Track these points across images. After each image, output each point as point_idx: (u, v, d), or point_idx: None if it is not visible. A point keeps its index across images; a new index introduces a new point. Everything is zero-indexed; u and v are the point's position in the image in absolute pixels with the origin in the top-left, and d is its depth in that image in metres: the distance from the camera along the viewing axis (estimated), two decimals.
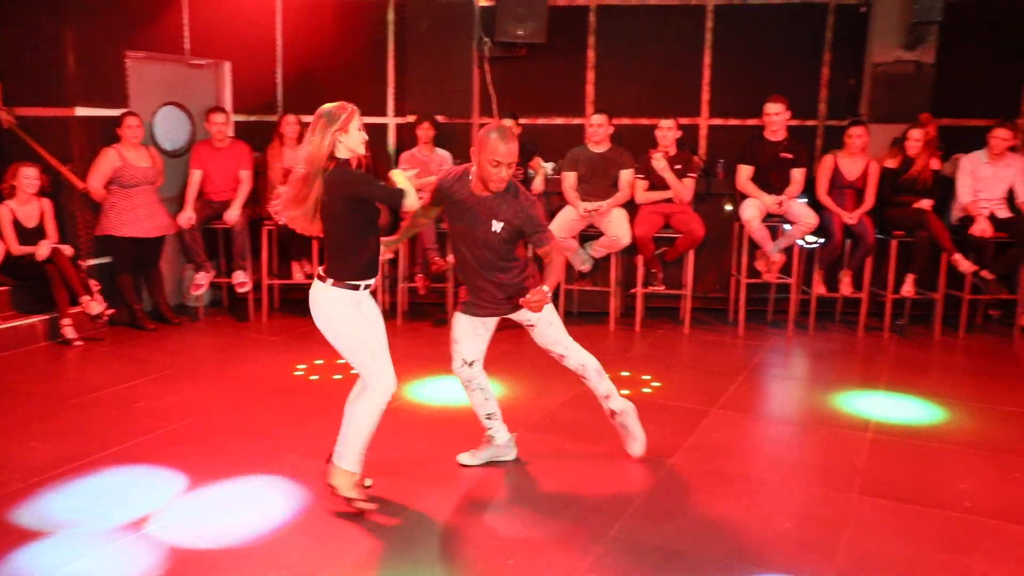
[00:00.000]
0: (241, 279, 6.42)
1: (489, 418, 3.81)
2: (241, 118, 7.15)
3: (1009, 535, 3.24)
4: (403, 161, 6.63)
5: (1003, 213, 6.23)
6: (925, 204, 6.20)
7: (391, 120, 7.42)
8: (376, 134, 7.26)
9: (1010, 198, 6.27)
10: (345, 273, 3.24)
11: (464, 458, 3.85)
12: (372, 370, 3.31)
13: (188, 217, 6.24)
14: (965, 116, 6.94)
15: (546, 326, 3.71)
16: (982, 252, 6.13)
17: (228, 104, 7.06)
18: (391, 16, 7.25)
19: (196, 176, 6.42)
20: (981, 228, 6.06)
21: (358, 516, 3.29)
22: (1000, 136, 6.16)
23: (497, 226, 3.46)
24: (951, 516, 3.38)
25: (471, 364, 3.74)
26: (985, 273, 6.13)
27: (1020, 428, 4.40)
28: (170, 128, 6.74)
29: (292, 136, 6.48)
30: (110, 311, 5.92)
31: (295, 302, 6.99)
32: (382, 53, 7.34)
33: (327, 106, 3.24)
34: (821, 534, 3.21)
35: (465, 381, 3.78)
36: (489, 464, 3.84)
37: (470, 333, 3.73)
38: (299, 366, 5.36)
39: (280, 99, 7.34)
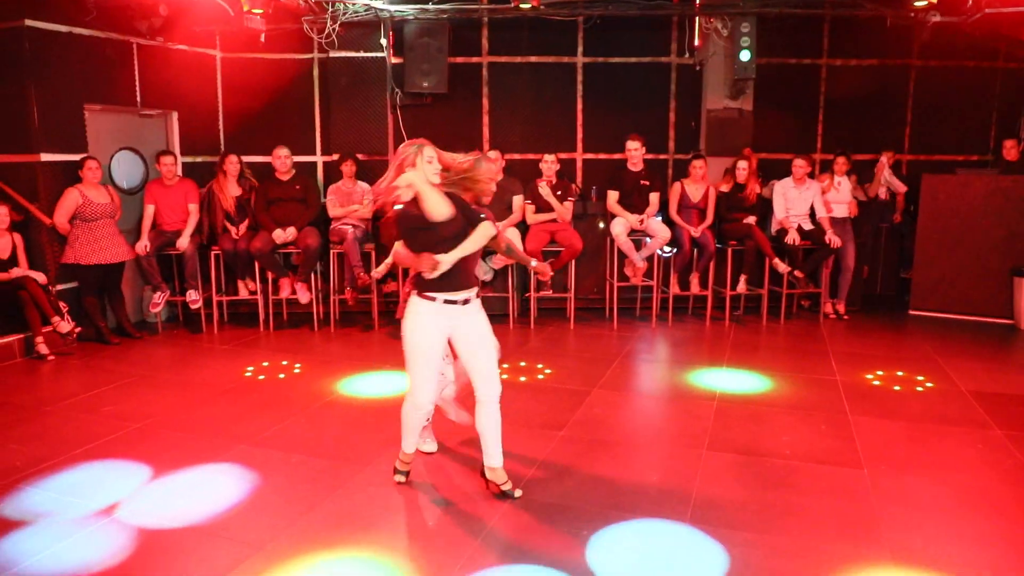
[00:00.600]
0: (193, 297, 6.19)
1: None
2: (188, 159, 6.88)
3: (816, 473, 3.48)
4: (330, 193, 6.54)
5: (808, 226, 6.62)
6: (751, 220, 6.54)
7: (319, 158, 7.30)
8: (307, 170, 7.13)
9: (812, 214, 6.69)
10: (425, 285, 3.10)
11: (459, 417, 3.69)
12: (416, 378, 3.17)
13: (144, 245, 5.98)
14: (776, 151, 7.42)
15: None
16: (794, 256, 6.51)
17: (176, 147, 6.78)
18: (316, 72, 7.14)
19: (149, 210, 6.17)
20: (792, 238, 6.44)
21: (303, 495, 3.25)
22: (799, 165, 6.53)
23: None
24: (776, 463, 3.60)
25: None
26: (797, 272, 6.51)
27: (824, 391, 4.69)
28: (126, 169, 6.43)
29: (233, 173, 6.32)
30: (78, 329, 5.62)
31: (242, 315, 6.79)
32: (310, 102, 7.21)
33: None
34: (679, 484, 3.36)
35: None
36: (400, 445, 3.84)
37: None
38: (248, 369, 5.21)
39: (222, 141, 7.11)
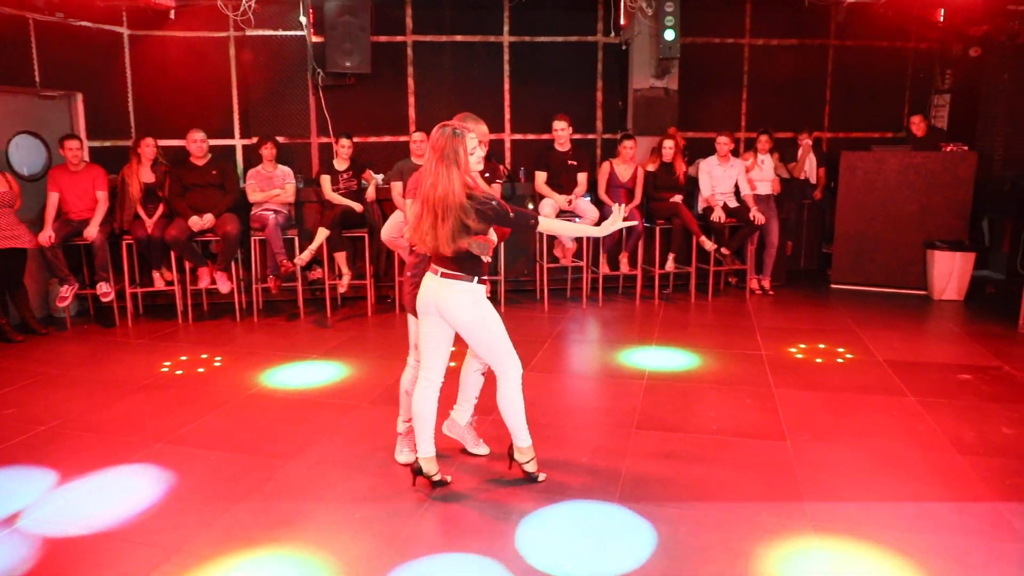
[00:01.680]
0: (104, 289, 5.87)
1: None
2: (96, 143, 6.50)
3: (742, 447, 3.56)
4: (250, 177, 6.30)
5: (733, 203, 6.75)
6: (677, 198, 6.63)
7: (238, 142, 7.02)
8: (226, 153, 6.85)
9: (737, 191, 6.83)
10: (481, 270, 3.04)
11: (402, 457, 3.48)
12: (508, 355, 3.11)
13: (48, 236, 5.62)
14: (702, 130, 7.54)
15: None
16: (720, 234, 6.63)
17: (82, 131, 6.40)
18: (232, 51, 6.84)
19: (53, 198, 5.80)
20: (717, 215, 6.56)
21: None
22: (723, 142, 6.63)
23: None
24: (703, 438, 3.67)
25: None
26: (724, 250, 6.64)
27: (750, 366, 4.81)
28: (25, 155, 6.02)
29: (149, 157, 6.01)
30: None
31: (158, 307, 6.49)
32: (227, 83, 6.91)
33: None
34: (608, 463, 3.38)
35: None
36: (340, 437, 3.75)
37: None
38: (165, 363, 4.99)
39: (133, 125, 6.74)
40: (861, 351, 5.09)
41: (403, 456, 3.44)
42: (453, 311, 3.02)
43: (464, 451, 3.52)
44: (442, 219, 2.89)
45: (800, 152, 7.20)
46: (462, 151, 2.90)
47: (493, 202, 2.93)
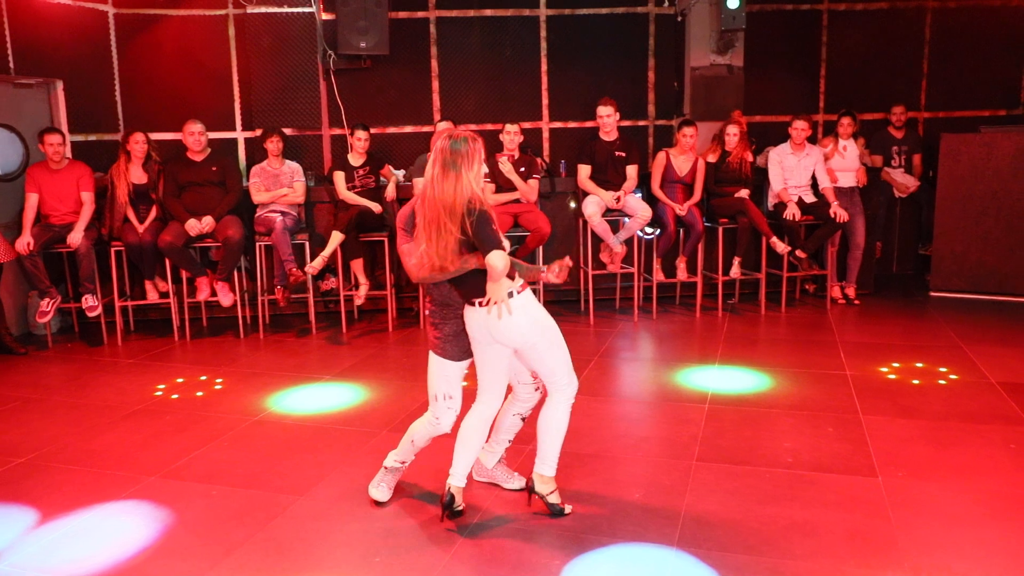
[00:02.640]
0: (90, 303, 6.04)
1: (415, 453, 3.58)
2: (79, 138, 6.72)
3: (822, 483, 3.51)
4: (254, 175, 6.42)
5: (809, 198, 6.69)
6: (743, 193, 6.58)
7: (240, 134, 7.18)
8: (226, 148, 7.01)
9: (814, 184, 6.75)
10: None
11: (378, 494, 3.49)
12: (567, 372, 3.19)
13: (26, 243, 5.81)
14: (771, 113, 7.49)
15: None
16: (795, 234, 6.56)
17: (63, 124, 6.62)
18: (232, 31, 7.01)
19: (32, 200, 5.99)
20: (791, 212, 6.50)
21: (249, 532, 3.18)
22: (799, 127, 6.58)
23: None
24: (776, 472, 3.62)
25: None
26: (799, 252, 6.56)
27: (831, 388, 4.74)
28: (0, 151, 6.25)
29: (139, 154, 6.17)
30: None
31: (151, 323, 6.66)
32: (226, 68, 7.09)
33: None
34: (665, 500, 3.36)
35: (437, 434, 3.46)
36: (356, 470, 3.80)
37: (460, 384, 3.43)
38: (159, 387, 5.11)
39: (121, 116, 6.95)
40: (968, 371, 4.98)
41: (379, 492, 3.46)
42: (508, 331, 3.07)
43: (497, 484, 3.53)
44: (444, 230, 2.96)
45: (830, 148, 6.87)
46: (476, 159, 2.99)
47: (483, 208, 2.96)
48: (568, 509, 3.28)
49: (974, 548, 2.97)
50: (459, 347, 3.26)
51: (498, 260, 2.90)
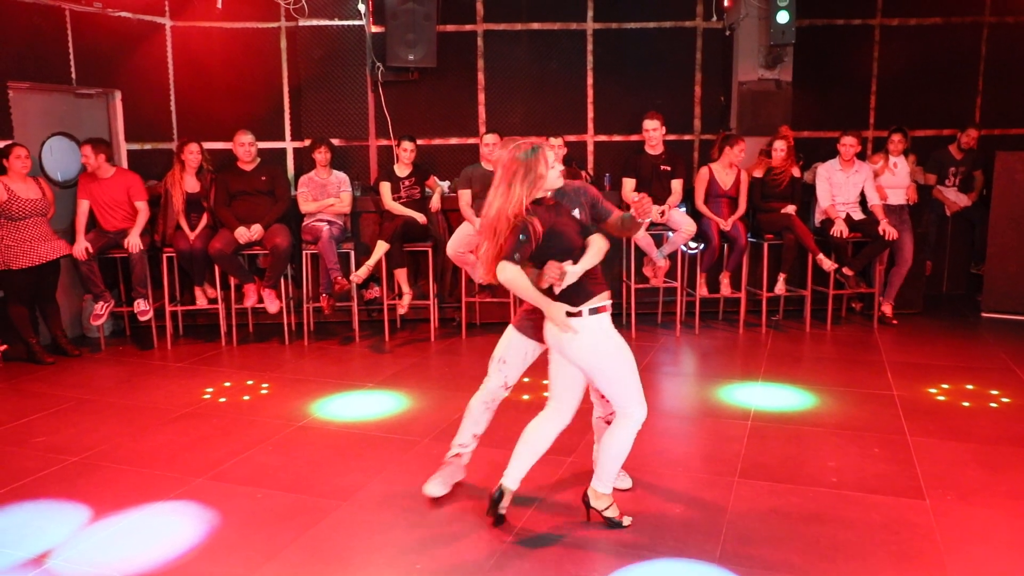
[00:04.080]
0: (142, 307, 6.21)
1: (474, 437, 3.63)
2: (135, 146, 6.92)
3: (867, 504, 3.46)
4: (302, 184, 6.55)
5: (857, 215, 6.61)
6: (790, 209, 6.53)
7: (289, 144, 7.33)
8: (275, 158, 7.16)
9: (863, 201, 6.66)
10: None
11: (432, 489, 3.57)
12: (632, 401, 3.20)
13: (84, 248, 5.99)
14: (820, 128, 7.42)
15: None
16: (842, 251, 6.48)
17: (120, 132, 6.82)
18: (284, 44, 7.17)
19: (84, 206, 6.18)
20: (839, 229, 6.42)
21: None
22: (848, 144, 6.50)
23: (577, 214, 3.27)
24: (820, 492, 3.59)
25: (508, 389, 3.55)
26: (846, 270, 6.49)
27: (877, 408, 4.68)
28: (60, 159, 6.46)
29: (193, 164, 6.34)
30: (3, 347, 5.64)
31: (199, 327, 6.81)
32: (277, 79, 7.24)
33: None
34: (706, 517, 3.35)
35: (491, 401, 3.57)
36: (398, 478, 3.85)
37: (520, 357, 3.49)
38: (207, 390, 5.22)
39: (175, 126, 7.14)
40: (1020, 394, 4.87)
41: (435, 488, 3.53)
42: (571, 349, 3.12)
43: (536, 495, 3.55)
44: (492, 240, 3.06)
45: (880, 165, 6.77)
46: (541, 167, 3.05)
47: (520, 221, 3.02)
48: (627, 521, 3.29)
49: None
50: (531, 326, 3.38)
51: (499, 272, 3.03)
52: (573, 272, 3.04)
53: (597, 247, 3.14)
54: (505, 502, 3.26)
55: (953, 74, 7.70)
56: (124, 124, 6.85)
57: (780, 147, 6.56)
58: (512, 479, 3.26)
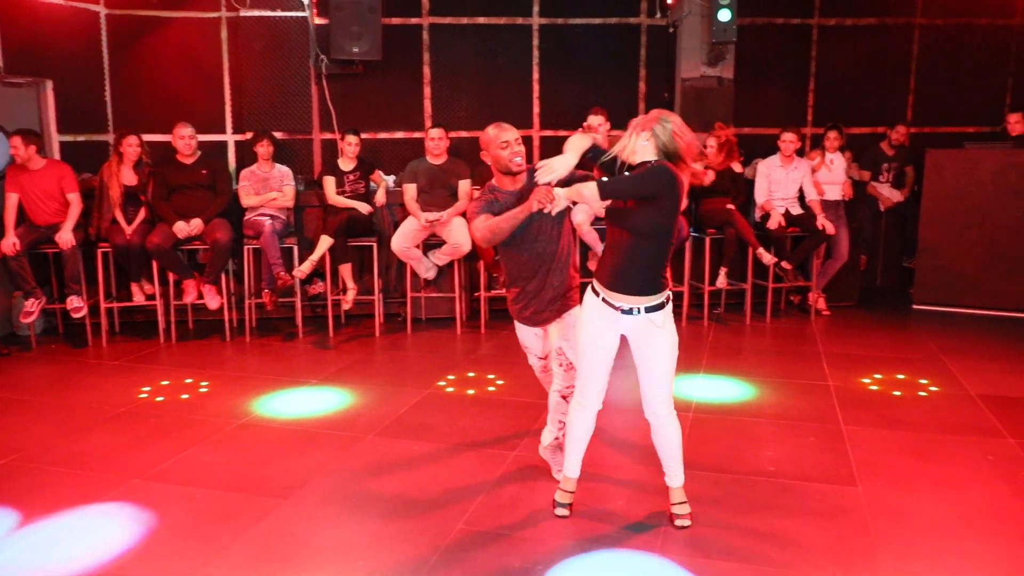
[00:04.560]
0: (76, 304, 6.01)
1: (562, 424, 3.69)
2: (68, 138, 6.69)
3: (803, 492, 3.55)
4: (244, 178, 6.43)
5: (796, 210, 6.76)
6: (730, 204, 6.63)
7: (230, 137, 7.18)
8: (216, 151, 7.01)
9: (801, 196, 6.81)
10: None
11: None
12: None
13: (12, 243, 5.78)
14: (761, 125, 7.57)
15: (570, 328, 3.55)
16: (781, 245, 6.62)
17: (52, 123, 6.59)
18: (225, 34, 7.02)
19: (12, 200, 5.95)
20: (775, 221, 6.55)
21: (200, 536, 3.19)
22: (788, 140, 6.64)
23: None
24: (759, 481, 3.66)
25: (543, 358, 3.73)
26: (785, 263, 6.62)
27: (814, 398, 4.79)
28: None
29: (132, 156, 6.17)
30: None
31: (137, 324, 6.64)
32: (218, 71, 7.08)
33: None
34: (649, 508, 3.39)
35: (541, 369, 3.79)
36: (341, 474, 3.81)
37: (533, 338, 3.67)
38: (144, 389, 5.09)
39: (111, 117, 6.93)
40: (949, 383, 5.04)
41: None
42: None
43: (480, 490, 3.55)
44: None
45: (817, 161, 6.94)
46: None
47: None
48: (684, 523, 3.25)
49: (951, 558, 3.02)
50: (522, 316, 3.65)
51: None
52: (561, 195, 3.08)
53: (572, 146, 3.19)
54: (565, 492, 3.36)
55: (887, 73, 7.93)
56: (56, 115, 6.62)
57: (711, 143, 6.62)
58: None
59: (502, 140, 3.35)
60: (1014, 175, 6.70)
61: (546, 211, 3.11)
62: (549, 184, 3.10)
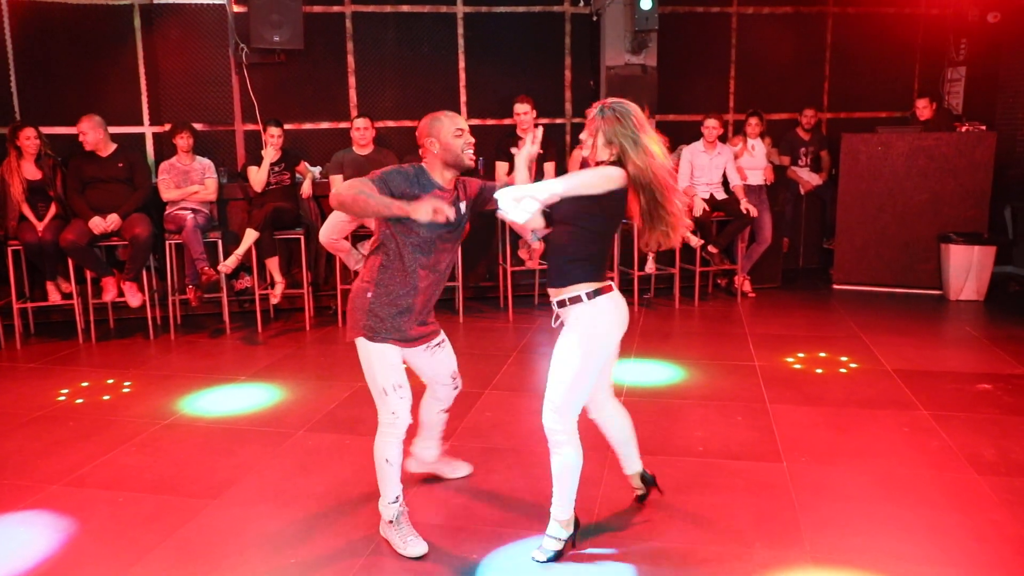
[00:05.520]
0: None
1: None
2: None
3: (730, 470, 3.63)
4: (163, 171, 6.23)
5: (720, 195, 6.89)
6: None
7: (147, 129, 6.93)
8: (133, 143, 6.76)
9: (726, 182, 6.95)
10: None
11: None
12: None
13: None
14: (684, 112, 7.69)
15: (449, 355, 3.32)
16: (707, 229, 6.75)
17: None
18: (137, 22, 6.76)
19: None
20: (698, 208, 6.66)
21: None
22: (711, 126, 6.76)
23: (463, 207, 3.07)
24: (688, 461, 3.73)
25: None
26: (711, 247, 6.76)
27: (740, 379, 4.90)
28: None
29: (31, 150, 5.89)
30: None
31: (54, 324, 6.38)
32: (132, 60, 6.82)
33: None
34: (580, 492, 3.38)
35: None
36: (271, 472, 3.74)
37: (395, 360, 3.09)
38: (62, 391, 4.90)
39: (16, 108, 6.61)
40: (867, 360, 5.22)
41: (413, 547, 3.00)
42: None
43: (414, 480, 3.53)
44: None
45: (740, 147, 7.09)
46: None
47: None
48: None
49: (868, 525, 3.13)
50: None
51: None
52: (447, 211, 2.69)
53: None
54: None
55: (803, 61, 8.15)
56: None
57: None
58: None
59: (457, 127, 2.94)
60: (923, 158, 6.96)
61: (440, 220, 2.71)
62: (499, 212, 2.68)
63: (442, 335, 3.30)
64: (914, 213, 7.03)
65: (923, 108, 7.30)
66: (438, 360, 3.31)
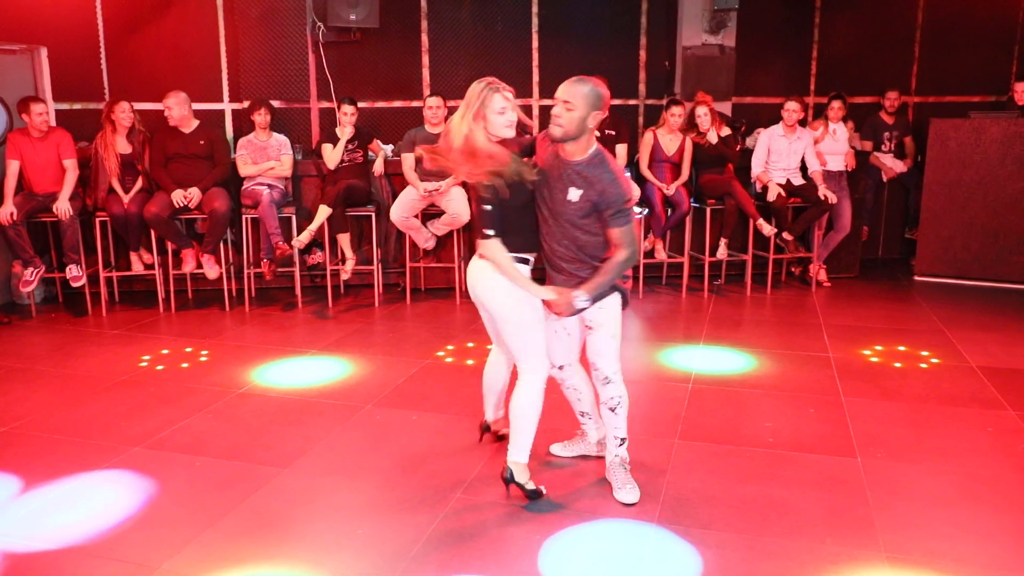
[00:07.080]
0: (75, 273, 6.00)
1: (582, 416, 3.54)
2: (63, 106, 6.64)
3: (801, 463, 3.55)
4: (241, 147, 6.37)
5: (798, 180, 6.70)
6: (730, 169, 6.58)
7: (227, 106, 7.12)
8: (213, 120, 6.95)
9: (803, 166, 6.76)
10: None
11: (556, 448, 3.62)
12: (528, 356, 3.15)
13: (9, 212, 5.75)
14: (763, 94, 7.50)
15: (607, 338, 3.26)
16: (782, 216, 6.58)
17: (47, 91, 6.53)
18: (220, 2, 6.92)
19: (13, 167, 5.91)
20: (773, 194, 6.50)
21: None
22: (791, 109, 6.55)
23: (574, 195, 3.07)
24: (756, 452, 3.67)
25: (560, 368, 3.38)
26: (785, 235, 6.60)
27: (813, 370, 4.78)
28: None
29: (124, 124, 6.10)
30: None
31: (136, 294, 6.63)
32: (214, 38, 7.01)
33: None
34: (646, 478, 3.39)
35: (558, 381, 3.45)
36: (340, 443, 3.82)
37: (551, 336, 3.29)
38: (144, 358, 5.09)
39: (106, 85, 6.86)
40: (950, 355, 5.03)
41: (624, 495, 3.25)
42: (482, 295, 3.17)
43: (479, 461, 3.56)
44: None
45: (820, 132, 6.82)
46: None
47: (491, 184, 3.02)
48: (543, 490, 3.22)
49: (948, 527, 3.02)
50: None
51: (482, 249, 3.19)
52: (584, 300, 3.02)
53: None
54: (521, 477, 3.17)
55: (890, 42, 7.84)
56: (51, 82, 6.55)
57: (702, 112, 6.50)
58: (518, 453, 3.17)
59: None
60: (1019, 145, 6.64)
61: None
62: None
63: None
64: (1006, 203, 6.72)
65: (1022, 92, 6.94)
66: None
